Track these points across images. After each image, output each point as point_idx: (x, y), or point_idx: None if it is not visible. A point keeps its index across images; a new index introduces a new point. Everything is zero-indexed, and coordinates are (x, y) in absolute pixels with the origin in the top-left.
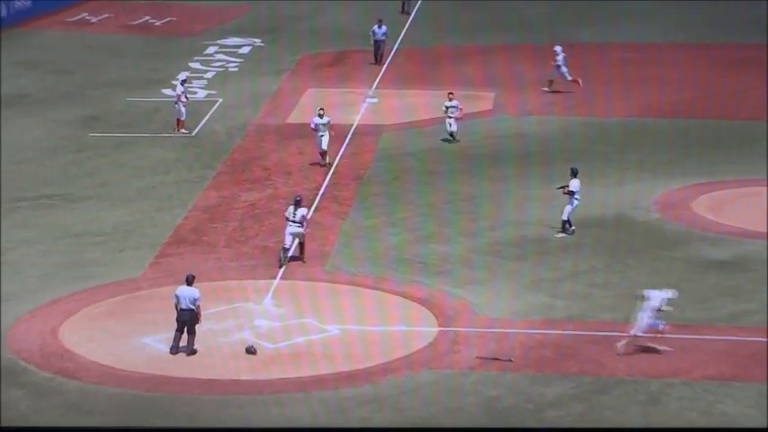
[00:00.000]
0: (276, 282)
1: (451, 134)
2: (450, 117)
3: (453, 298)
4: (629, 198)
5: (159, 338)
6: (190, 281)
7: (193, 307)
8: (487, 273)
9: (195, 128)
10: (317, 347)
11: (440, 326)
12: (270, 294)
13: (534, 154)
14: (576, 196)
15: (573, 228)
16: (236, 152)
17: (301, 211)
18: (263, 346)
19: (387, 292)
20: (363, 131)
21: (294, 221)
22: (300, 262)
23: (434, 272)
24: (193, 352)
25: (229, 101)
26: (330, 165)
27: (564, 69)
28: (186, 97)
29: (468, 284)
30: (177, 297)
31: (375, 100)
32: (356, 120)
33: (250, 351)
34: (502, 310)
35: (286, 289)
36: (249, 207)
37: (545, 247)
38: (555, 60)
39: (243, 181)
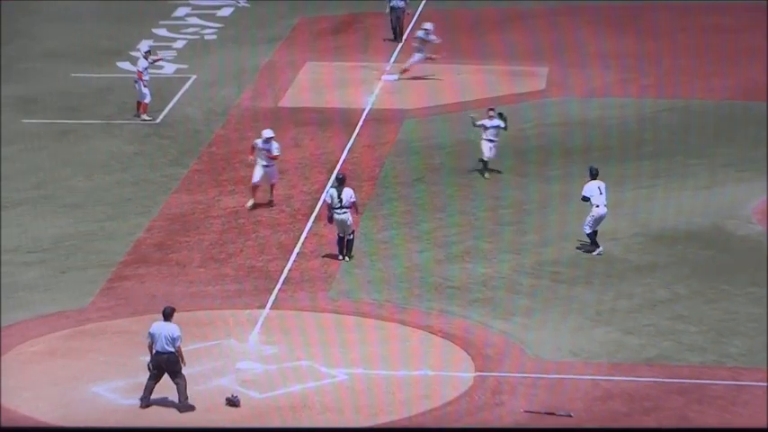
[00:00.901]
0: (265, 312)
1: (485, 162)
2: (490, 141)
3: (495, 333)
4: (724, 205)
5: (114, 386)
6: (168, 315)
7: (173, 349)
8: (539, 301)
9: (161, 112)
10: (318, 398)
11: (477, 370)
12: (257, 329)
13: (600, 147)
14: (595, 203)
15: (599, 249)
16: (214, 144)
17: (347, 193)
18: (249, 395)
19: (408, 325)
20: (379, 118)
21: (342, 208)
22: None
23: (470, 299)
24: (188, 407)
25: (205, 77)
26: (272, 203)
27: (417, 57)
28: (148, 74)
29: (515, 316)
30: (152, 336)
31: (395, 77)
32: (369, 103)
33: (231, 402)
34: (558, 350)
35: (278, 322)
36: (231, 215)
37: (615, 267)
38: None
39: (223, 181)
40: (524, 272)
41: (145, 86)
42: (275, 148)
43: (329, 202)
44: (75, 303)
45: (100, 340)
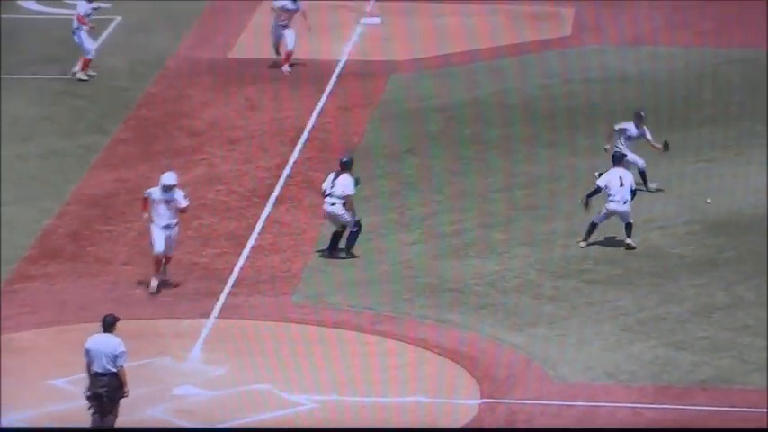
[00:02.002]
0: (211, 322)
1: (643, 174)
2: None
3: (508, 349)
4: None
5: (17, 418)
6: (109, 325)
7: (114, 369)
8: (565, 307)
9: (75, 65)
10: None
11: (484, 396)
12: (199, 344)
13: (644, 107)
14: (611, 195)
15: (583, 243)
16: (144, 105)
17: (342, 181)
18: (190, 428)
19: (396, 339)
20: (358, 72)
21: (331, 196)
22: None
23: (476, 305)
24: None
25: (133, 20)
26: (166, 276)
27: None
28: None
29: (533, 326)
30: (89, 353)
31: (377, 20)
32: (345, 53)
33: None
34: (588, 370)
35: (227, 334)
36: None
37: (661, 264)
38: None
39: (156, 154)
40: (546, 270)
41: (89, 30)
42: (182, 197)
43: (323, 188)
44: None
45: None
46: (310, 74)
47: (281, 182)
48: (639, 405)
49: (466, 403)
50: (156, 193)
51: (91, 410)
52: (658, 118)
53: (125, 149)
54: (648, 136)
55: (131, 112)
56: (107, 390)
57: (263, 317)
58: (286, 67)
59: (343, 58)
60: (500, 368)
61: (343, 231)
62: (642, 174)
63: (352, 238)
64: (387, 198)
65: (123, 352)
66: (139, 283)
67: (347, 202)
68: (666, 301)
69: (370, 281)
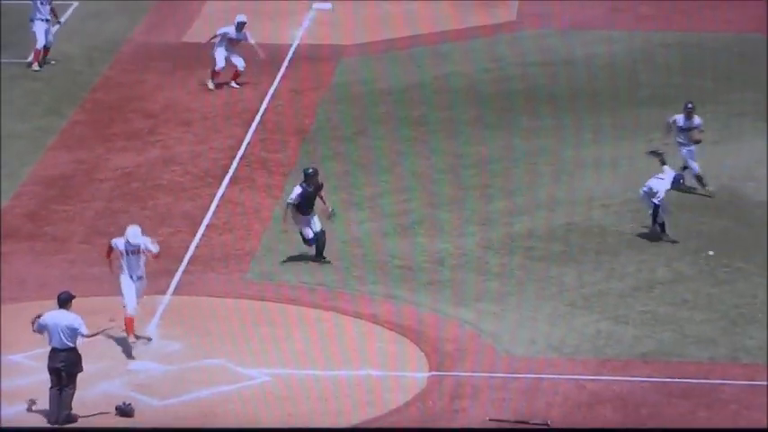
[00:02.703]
0: (166, 298)
1: (699, 178)
2: (687, 146)
3: (455, 323)
4: (739, 164)
5: None
6: (64, 302)
7: (72, 344)
8: (510, 283)
9: (31, 50)
10: (232, 406)
11: (432, 369)
12: (155, 320)
13: (585, 93)
14: (656, 198)
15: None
16: (100, 88)
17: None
18: (145, 403)
19: (345, 313)
20: (309, 56)
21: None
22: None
23: (424, 282)
24: (70, 418)
25: (89, 6)
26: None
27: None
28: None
29: (480, 302)
30: (47, 329)
31: (328, 5)
32: (297, 37)
33: (123, 412)
34: (534, 344)
35: (182, 310)
36: (122, 178)
37: (604, 241)
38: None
39: (112, 136)
40: (492, 248)
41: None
42: (150, 243)
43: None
44: None
45: None
46: (263, 57)
47: (234, 162)
48: (582, 377)
49: (415, 376)
50: (121, 245)
51: (51, 381)
52: (600, 100)
53: (81, 131)
54: (699, 125)
55: (87, 96)
56: (65, 364)
57: (218, 294)
58: (234, 83)
59: (295, 43)
60: (447, 342)
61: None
62: (698, 178)
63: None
64: (337, 178)
65: (82, 324)
66: (96, 261)
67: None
68: (609, 277)
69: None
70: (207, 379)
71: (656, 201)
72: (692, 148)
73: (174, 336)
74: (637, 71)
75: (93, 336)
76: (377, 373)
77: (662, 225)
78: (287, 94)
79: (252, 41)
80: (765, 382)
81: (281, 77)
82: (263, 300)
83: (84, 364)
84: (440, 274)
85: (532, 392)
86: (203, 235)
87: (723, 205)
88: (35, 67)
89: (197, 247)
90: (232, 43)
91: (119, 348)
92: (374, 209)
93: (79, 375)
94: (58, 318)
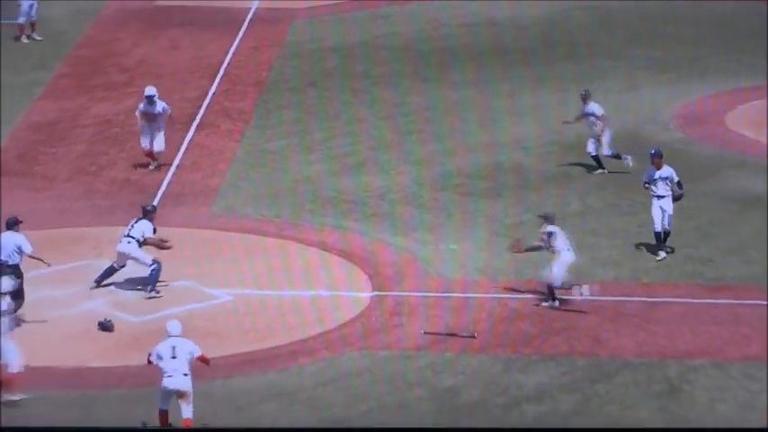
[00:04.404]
0: None
1: (597, 159)
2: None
3: (394, 250)
4: (642, 110)
5: None
6: (12, 224)
7: (17, 259)
8: (442, 215)
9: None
10: (200, 321)
11: (374, 289)
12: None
13: (509, 50)
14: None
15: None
16: (82, 46)
17: (141, 226)
18: (123, 319)
19: (299, 242)
20: (266, 17)
21: (129, 236)
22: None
23: (368, 214)
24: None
25: None
26: (160, 165)
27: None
28: None
29: (415, 231)
30: None
31: None
32: (256, 1)
33: (104, 327)
34: (462, 268)
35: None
36: (102, 124)
37: (525, 178)
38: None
39: (93, 87)
40: (426, 184)
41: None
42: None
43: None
44: None
45: None
46: (226, 19)
47: (201, 111)
48: (504, 296)
49: (359, 296)
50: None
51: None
52: (521, 56)
53: (66, 83)
54: (594, 112)
55: (71, 52)
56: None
57: (187, 225)
58: (152, 165)
59: (254, 6)
60: (388, 267)
61: (119, 269)
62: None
63: (153, 277)
64: (291, 125)
65: (29, 243)
66: (80, 197)
67: (144, 244)
68: (529, 210)
69: (277, 194)
70: (178, 298)
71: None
72: (600, 135)
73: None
74: (553, 31)
75: (35, 258)
76: (326, 293)
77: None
78: (247, 51)
79: (163, 111)
80: (664, 299)
81: (242, 36)
82: (226, 230)
83: (69, 287)
84: (381, 207)
85: (461, 309)
86: (174, 174)
87: (627, 145)
88: (24, 40)
89: (168, 184)
90: (148, 117)
91: (99, 273)
92: (323, 151)
93: (66, 295)
94: (7, 237)
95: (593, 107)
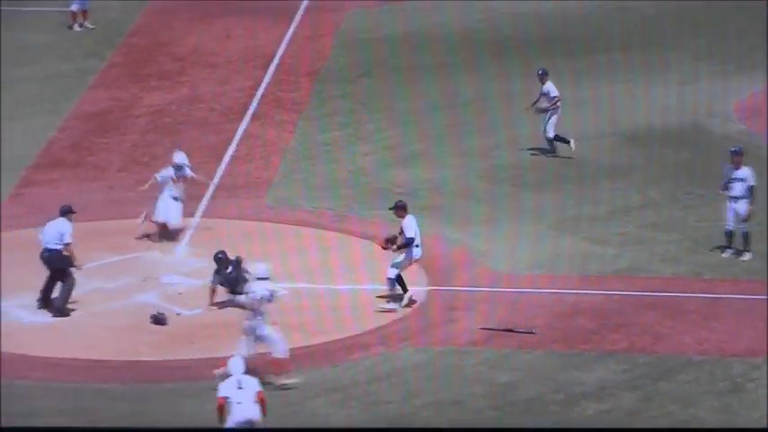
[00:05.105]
0: (195, 221)
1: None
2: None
3: (449, 244)
4: (702, 102)
5: (22, 303)
6: (64, 212)
7: (59, 247)
8: (498, 208)
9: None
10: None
11: (429, 284)
12: (186, 239)
13: (562, 39)
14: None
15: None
16: (134, 34)
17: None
18: (176, 313)
19: (353, 235)
20: (320, 6)
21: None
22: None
23: (420, 206)
24: (60, 312)
25: None
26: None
27: None
28: None
29: (470, 224)
30: (42, 234)
31: None
32: None
33: (157, 320)
34: (519, 262)
35: (210, 231)
36: (155, 114)
37: (582, 170)
38: None
39: (145, 76)
40: (480, 176)
41: None
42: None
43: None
44: None
45: (6, 252)
46: (280, 7)
47: (254, 101)
48: (562, 291)
49: (415, 290)
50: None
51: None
52: (576, 45)
53: (118, 72)
54: (549, 92)
55: (123, 40)
56: (49, 261)
57: (240, 217)
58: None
59: None
60: (443, 260)
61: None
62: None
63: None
64: (344, 115)
65: (68, 233)
66: (132, 187)
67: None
68: (586, 203)
69: (331, 186)
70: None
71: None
72: (547, 114)
73: (202, 253)
74: (610, 21)
75: (70, 251)
76: (381, 287)
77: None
78: (301, 41)
79: (191, 177)
80: (725, 295)
81: (296, 25)
82: (279, 222)
83: (121, 279)
84: (434, 199)
85: (518, 305)
86: (227, 165)
87: (687, 138)
88: (76, 28)
89: (222, 175)
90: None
91: (153, 265)
92: (376, 142)
93: (118, 287)
94: (51, 224)
95: (549, 87)
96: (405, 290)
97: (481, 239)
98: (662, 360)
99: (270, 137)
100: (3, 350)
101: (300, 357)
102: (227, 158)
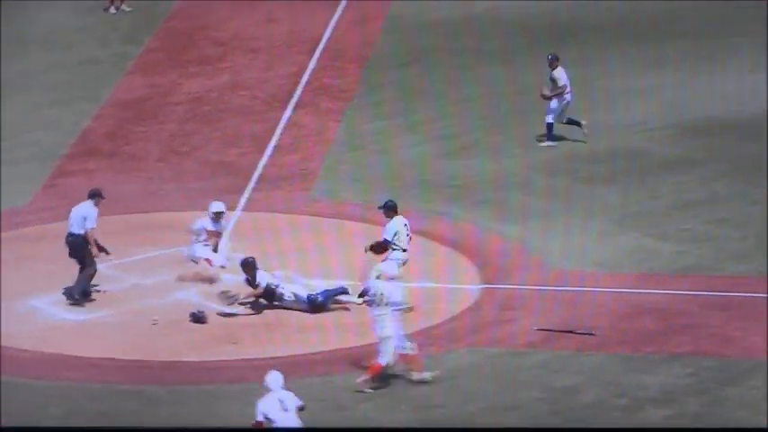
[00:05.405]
0: (237, 214)
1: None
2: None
3: (504, 240)
4: None
5: (56, 299)
6: (90, 195)
7: (81, 231)
8: (557, 202)
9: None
10: (297, 314)
11: (484, 282)
12: (226, 234)
13: (626, 24)
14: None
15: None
16: (173, 18)
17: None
18: (216, 311)
19: None
20: None
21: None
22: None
23: (475, 200)
24: (73, 299)
25: None
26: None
27: None
28: None
29: (527, 219)
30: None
31: None
32: None
33: (197, 318)
34: (579, 259)
35: (251, 225)
36: (194, 101)
37: (644, 163)
38: None
39: (184, 62)
40: (539, 169)
41: None
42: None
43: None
44: (10, 203)
45: (39, 246)
46: None
47: (299, 88)
48: (624, 290)
49: (467, 288)
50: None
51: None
52: (640, 31)
53: (156, 57)
54: (556, 78)
55: (162, 24)
56: (72, 247)
57: (284, 210)
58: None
59: None
60: (498, 257)
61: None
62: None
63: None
64: (394, 104)
65: (91, 217)
66: (171, 178)
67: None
68: (649, 197)
69: (379, 178)
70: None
71: None
72: (551, 102)
73: (244, 249)
74: (678, 5)
75: (90, 238)
76: (434, 284)
77: None
78: (347, 25)
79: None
80: None
81: (343, 9)
82: (325, 216)
83: (156, 277)
84: (490, 193)
85: (578, 304)
86: (270, 155)
87: (756, 129)
88: (112, 11)
89: (264, 166)
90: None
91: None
92: (429, 132)
93: (156, 283)
94: (77, 208)
95: (558, 74)
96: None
97: (538, 235)
98: (730, 364)
99: (315, 126)
100: (39, 350)
101: (351, 358)
102: (269, 149)
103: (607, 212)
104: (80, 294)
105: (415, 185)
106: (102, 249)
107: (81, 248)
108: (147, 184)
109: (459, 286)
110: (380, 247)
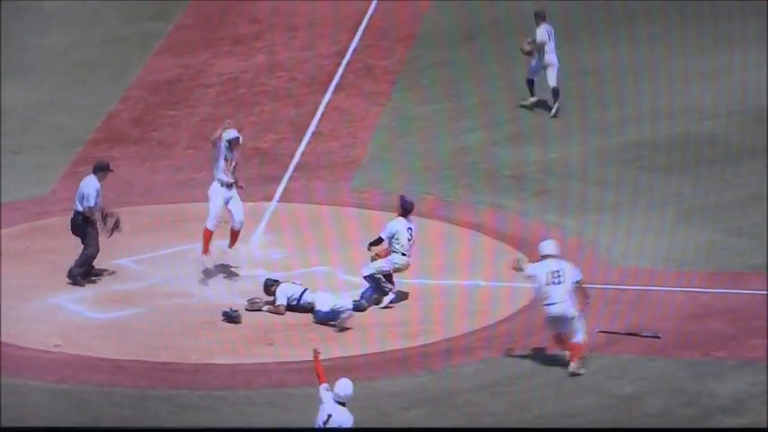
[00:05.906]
0: (273, 205)
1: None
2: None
3: (565, 234)
4: None
5: (79, 297)
6: (95, 168)
7: (81, 208)
8: (623, 193)
9: None
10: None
11: None
12: (262, 226)
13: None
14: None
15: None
16: None
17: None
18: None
19: (452, 223)
20: None
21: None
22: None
23: (532, 191)
24: (76, 281)
25: None
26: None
27: None
28: None
29: (591, 212)
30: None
31: None
32: None
33: (230, 318)
34: (642, 255)
35: (288, 218)
36: (228, 83)
37: (715, 151)
38: None
39: (218, 40)
40: (602, 157)
41: None
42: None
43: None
44: (30, 192)
45: (62, 239)
46: None
47: (340, 69)
48: (694, 289)
49: (522, 287)
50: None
51: None
52: (704, 10)
53: (187, 36)
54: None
55: (191, 1)
56: (73, 226)
57: (323, 201)
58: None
59: None
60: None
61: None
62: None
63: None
64: (444, 86)
65: (93, 194)
66: (202, 167)
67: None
68: (720, 189)
69: (427, 167)
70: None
71: None
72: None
73: (280, 242)
74: None
75: (93, 215)
76: (484, 283)
77: None
78: (394, 0)
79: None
80: None
81: None
82: (368, 208)
83: (188, 270)
84: (547, 183)
85: (643, 304)
86: (309, 142)
87: None
88: None
89: (302, 154)
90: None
91: (225, 256)
92: (482, 117)
93: (185, 279)
94: (81, 183)
95: (540, 31)
96: (384, 293)
97: (600, 229)
98: None
99: (358, 110)
100: (64, 351)
101: (394, 361)
102: (308, 135)
103: (676, 204)
104: (81, 276)
105: (466, 175)
106: (108, 220)
107: (80, 228)
108: (177, 173)
109: (513, 284)
110: (375, 243)
